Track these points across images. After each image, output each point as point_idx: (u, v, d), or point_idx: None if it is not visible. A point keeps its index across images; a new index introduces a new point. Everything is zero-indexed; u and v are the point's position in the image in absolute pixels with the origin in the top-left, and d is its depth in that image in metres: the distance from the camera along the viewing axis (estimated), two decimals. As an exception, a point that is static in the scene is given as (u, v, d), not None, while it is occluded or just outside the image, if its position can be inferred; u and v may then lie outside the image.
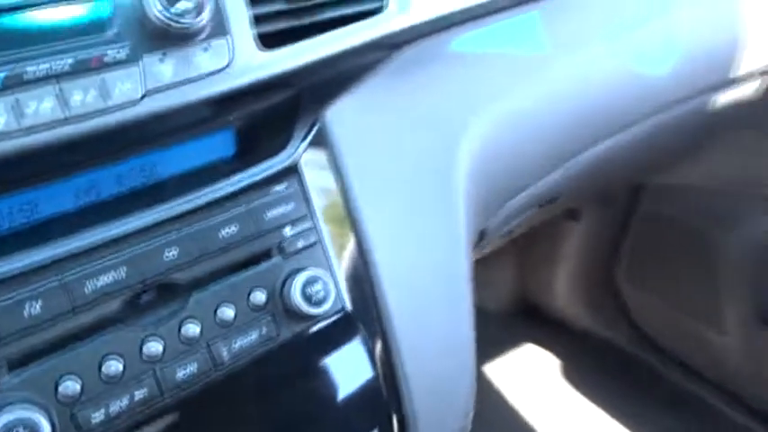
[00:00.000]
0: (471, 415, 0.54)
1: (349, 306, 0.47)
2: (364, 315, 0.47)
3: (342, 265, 0.46)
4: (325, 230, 0.46)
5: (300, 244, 0.45)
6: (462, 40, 0.57)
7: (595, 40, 0.66)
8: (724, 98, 0.82)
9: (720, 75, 0.79)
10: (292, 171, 0.46)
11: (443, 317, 0.51)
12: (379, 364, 0.47)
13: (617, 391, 1.16)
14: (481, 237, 0.60)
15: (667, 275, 1.14)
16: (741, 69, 0.80)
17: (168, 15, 0.36)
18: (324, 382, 0.46)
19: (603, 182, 0.81)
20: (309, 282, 0.43)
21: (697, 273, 1.08)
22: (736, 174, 0.97)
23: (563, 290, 1.24)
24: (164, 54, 0.38)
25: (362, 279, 0.47)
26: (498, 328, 1.26)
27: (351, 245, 0.48)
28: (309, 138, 0.47)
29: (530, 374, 1.21)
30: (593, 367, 1.22)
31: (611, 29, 0.67)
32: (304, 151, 0.47)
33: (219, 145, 0.46)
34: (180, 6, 0.36)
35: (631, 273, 1.20)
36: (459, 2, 0.55)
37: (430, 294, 0.51)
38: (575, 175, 0.70)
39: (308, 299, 0.43)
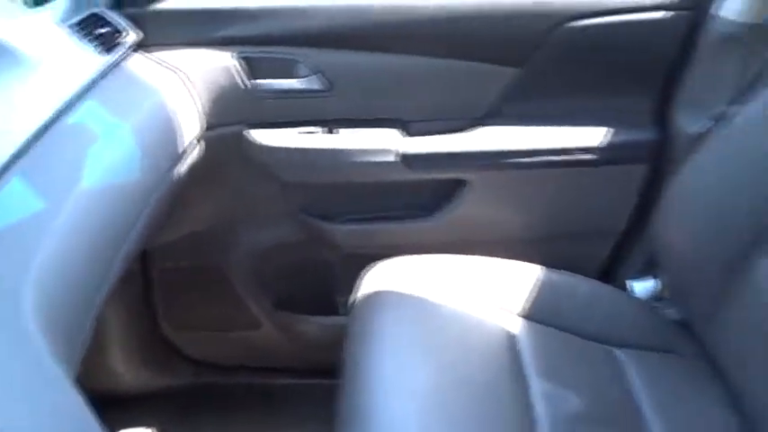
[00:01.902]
0: None
1: None
2: None
3: None
4: None
5: None
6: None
7: (81, 176, 0.75)
8: (184, 166, 1.01)
9: (175, 152, 0.98)
10: None
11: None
12: None
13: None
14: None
15: (200, 308, 1.34)
16: (186, 141, 1.01)
17: None
18: None
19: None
20: None
21: (221, 294, 1.30)
22: (217, 211, 1.21)
23: (122, 366, 1.31)
24: None
25: None
26: None
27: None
28: None
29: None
30: (178, 416, 1.35)
31: (84, 167, 0.77)
32: None
33: None
34: None
35: (172, 319, 1.36)
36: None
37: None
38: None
39: None
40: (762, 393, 0.80)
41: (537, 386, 0.88)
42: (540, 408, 0.84)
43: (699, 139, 0.96)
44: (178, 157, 0.99)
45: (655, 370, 0.94)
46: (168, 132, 0.97)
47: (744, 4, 0.96)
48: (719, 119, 0.93)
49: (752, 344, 0.83)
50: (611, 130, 1.08)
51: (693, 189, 0.91)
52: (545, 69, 1.06)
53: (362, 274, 1.05)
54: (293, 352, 1.36)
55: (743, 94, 0.92)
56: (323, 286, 1.29)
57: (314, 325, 1.32)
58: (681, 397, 0.91)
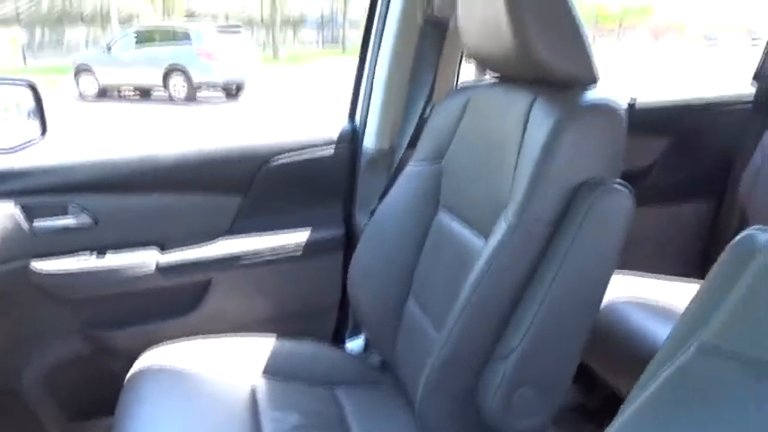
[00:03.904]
0: None
1: None
2: None
3: None
4: None
5: None
6: None
7: None
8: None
9: None
10: None
11: None
12: None
13: None
14: None
15: None
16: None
17: None
18: None
19: None
20: None
21: (15, 414, 1.47)
22: (5, 339, 1.42)
23: None
24: None
25: None
26: None
27: None
28: None
29: None
30: None
31: None
32: None
33: None
34: None
35: None
36: None
37: None
38: None
39: None
40: (424, 404, 1.13)
41: (267, 414, 1.19)
42: (267, 424, 1.15)
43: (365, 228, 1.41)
44: None
45: (362, 398, 1.30)
46: None
47: (375, 137, 1.48)
48: (373, 213, 1.38)
49: (413, 369, 1.23)
50: (315, 230, 1.51)
51: (363, 263, 1.34)
52: (261, 194, 1.48)
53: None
54: None
55: (384, 194, 1.39)
56: (111, 389, 1.51)
57: (105, 428, 1.51)
58: (377, 411, 1.26)
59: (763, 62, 1.80)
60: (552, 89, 1.02)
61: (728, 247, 0.54)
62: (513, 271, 0.92)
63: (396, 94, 1.47)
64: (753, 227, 0.55)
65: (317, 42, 16.63)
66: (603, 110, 0.96)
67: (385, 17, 1.46)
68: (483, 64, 1.18)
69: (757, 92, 1.79)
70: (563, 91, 1.01)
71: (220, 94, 9.75)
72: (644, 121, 1.73)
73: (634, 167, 1.77)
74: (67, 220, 1.37)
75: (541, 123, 0.96)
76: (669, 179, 1.79)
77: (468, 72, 1.53)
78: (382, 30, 1.47)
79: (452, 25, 1.39)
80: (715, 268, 0.54)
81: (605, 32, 22.49)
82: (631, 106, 1.70)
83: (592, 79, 1.02)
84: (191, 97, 9.33)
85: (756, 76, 1.82)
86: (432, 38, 1.42)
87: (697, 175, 1.80)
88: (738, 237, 0.54)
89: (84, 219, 1.38)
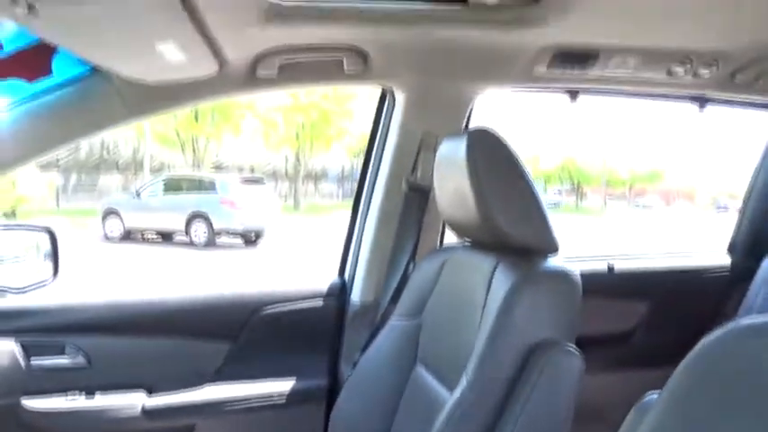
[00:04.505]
0: None
1: None
2: None
3: None
4: None
5: None
6: None
7: None
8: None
9: None
10: None
11: None
12: None
13: None
14: None
15: None
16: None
17: None
18: None
19: None
20: None
21: None
22: None
23: None
24: None
25: None
26: None
27: None
28: None
29: None
30: None
31: None
32: None
33: None
34: None
35: None
36: None
37: None
38: None
39: None
40: None
41: None
42: None
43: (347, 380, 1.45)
44: None
45: None
46: None
47: (361, 291, 1.56)
48: (355, 365, 1.43)
49: None
50: (300, 380, 1.55)
51: (344, 416, 1.37)
52: (250, 342, 1.55)
53: None
54: None
55: (366, 347, 1.45)
56: None
57: None
58: None
59: (736, 235, 1.90)
60: (515, 255, 1.11)
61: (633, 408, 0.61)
62: (472, 424, 0.97)
63: (382, 252, 1.58)
64: (652, 392, 0.61)
65: (337, 195, 17.31)
66: (559, 276, 1.05)
67: (374, 182, 1.61)
68: (455, 230, 1.30)
69: (732, 262, 1.88)
70: (524, 257, 1.10)
71: (239, 240, 10.06)
72: (623, 284, 1.80)
73: (616, 330, 1.82)
74: (63, 360, 1.44)
75: (502, 286, 1.04)
76: (651, 342, 1.82)
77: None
78: (371, 193, 1.61)
79: (433, 193, 1.53)
80: (623, 424, 0.61)
81: (615, 196, 23.22)
82: (610, 270, 1.78)
83: (552, 248, 1.12)
84: (210, 242, 9.62)
85: (730, 248, 1.91)
86: (415, 202, 1.55)
87: (679, 340, 1.83)
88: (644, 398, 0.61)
89: (80, 359, 1.44)
